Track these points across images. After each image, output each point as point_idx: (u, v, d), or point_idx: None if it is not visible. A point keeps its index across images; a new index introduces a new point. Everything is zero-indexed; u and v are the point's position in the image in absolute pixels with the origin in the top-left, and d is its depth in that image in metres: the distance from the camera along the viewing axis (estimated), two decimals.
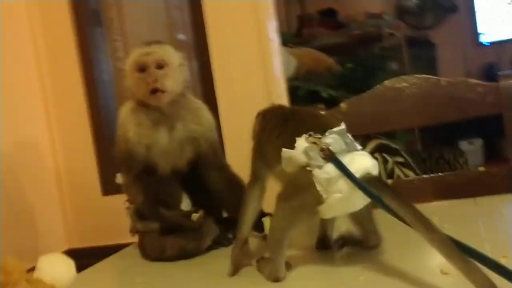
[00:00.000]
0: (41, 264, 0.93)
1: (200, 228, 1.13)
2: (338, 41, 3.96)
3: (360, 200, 0.83)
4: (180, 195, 1.20)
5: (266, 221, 1.19)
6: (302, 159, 0.83)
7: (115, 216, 1.43)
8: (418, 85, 1.38)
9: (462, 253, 0.64)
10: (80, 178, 1.69)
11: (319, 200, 0.81)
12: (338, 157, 0.81)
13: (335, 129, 0.85)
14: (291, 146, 0.85)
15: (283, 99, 1.51)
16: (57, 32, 1.69)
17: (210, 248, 1.14)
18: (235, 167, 1.26)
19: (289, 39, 3.49)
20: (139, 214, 1.21)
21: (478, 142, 4.42)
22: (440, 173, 1.43)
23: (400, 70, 3.74)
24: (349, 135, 0.86)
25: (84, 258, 1.23)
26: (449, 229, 0.76)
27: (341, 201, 0.82)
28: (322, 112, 0.92)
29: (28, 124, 1.84)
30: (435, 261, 0.85)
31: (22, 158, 1.79)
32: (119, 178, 1.23)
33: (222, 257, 1.10)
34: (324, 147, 0.81)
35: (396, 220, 0.79)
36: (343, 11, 4.58)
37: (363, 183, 0.79)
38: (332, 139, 0.83)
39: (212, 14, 1.52)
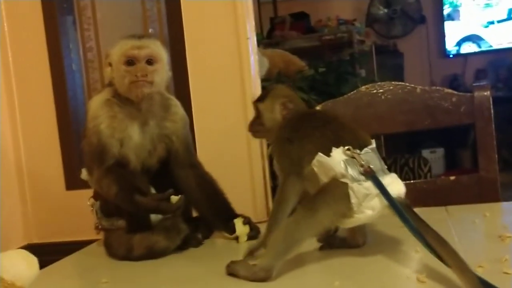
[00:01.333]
0: (1, 261, 0.88)
1: (178, 211, 1.07)
2: (309, 45, 3.99)
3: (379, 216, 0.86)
4: (149, 191, 1.16)
5: (237, 222, 1.17)
6: (339, 169, 0.84)
7: (77, 212, 1.38)
8: (393, 91, 1.38)
9: None
10: (43, 171, 1.63)
11: (348, 213, 0.84)
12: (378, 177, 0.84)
13: (370, 147, 0.88)
14: (327, 150, 0.86)
15: None
16: (25, 18, 1.62)
17: (178, 248, 1.10)
18: (206, 164, 1.23)
19: (260, 40, 3.48)
20: (104, 211, 1.17)
21: (440, 151, 4.51)
22: (412, 181, 1.44)
23: (368, 77, 3.79)
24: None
25: (43, 254, 1.18)
26: None
27: (369, 218, 0.85)
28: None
29: None
30: (413, 267, 0.85)
31: None
32: (84, 174, 1.18)
33: (191, 258, 1.07)
34: (364, 163, 0.84)
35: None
36: (314, 16, 4.61)
37: (400, 207, 0.82)
38: (369, 157, 0.86)
39: (189, 9, 1.49)
